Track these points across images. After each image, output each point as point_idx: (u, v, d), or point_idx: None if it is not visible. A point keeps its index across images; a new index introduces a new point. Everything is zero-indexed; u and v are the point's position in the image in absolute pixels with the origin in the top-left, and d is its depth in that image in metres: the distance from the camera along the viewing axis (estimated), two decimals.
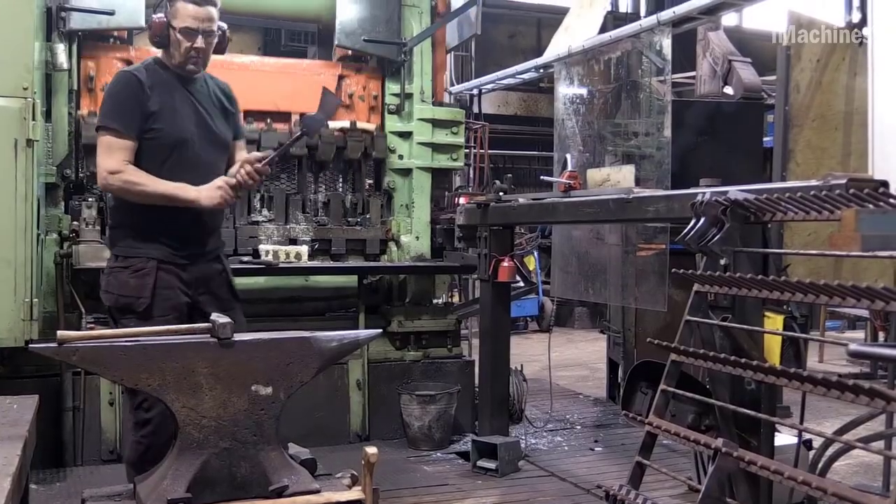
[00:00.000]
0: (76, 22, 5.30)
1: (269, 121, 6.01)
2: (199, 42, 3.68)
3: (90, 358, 2.72)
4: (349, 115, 6.19)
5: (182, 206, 3.63)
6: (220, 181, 3.67)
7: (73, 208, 5.38)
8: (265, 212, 6.01)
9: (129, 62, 5.57)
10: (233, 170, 3.80)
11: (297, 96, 6.00)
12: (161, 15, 3.70)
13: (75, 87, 5.43)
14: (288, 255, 5.70)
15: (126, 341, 2.73)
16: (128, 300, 3.60)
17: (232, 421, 2.79)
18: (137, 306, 3.57)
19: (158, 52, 3.82)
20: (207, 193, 3.64)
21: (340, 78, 6.24)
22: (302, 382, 2.93)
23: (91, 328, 5.22)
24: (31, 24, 4.69)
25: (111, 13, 5.32)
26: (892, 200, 2.30)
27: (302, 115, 4.90)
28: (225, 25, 3.85)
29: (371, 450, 2.84)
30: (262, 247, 5.75)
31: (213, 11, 3.72)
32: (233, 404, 2.79)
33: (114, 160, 3.60)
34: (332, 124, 5.99)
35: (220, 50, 3.88)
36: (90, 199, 5.36)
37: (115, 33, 5.73)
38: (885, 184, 2.49)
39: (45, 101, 5.09)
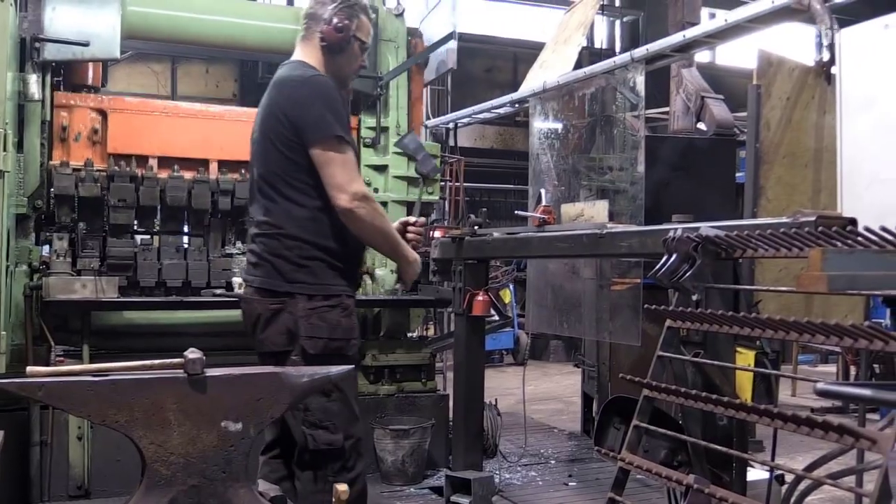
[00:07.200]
0: (50, 53, 5.29)
1: (243, 171, 5.73)
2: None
3: (57, 394, 2.67)
4: None
5: (391, 256, 3.57)
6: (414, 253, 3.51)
7: (45, 240, 5.34)
8: (239, 244, 5.97)
9: (102, 112, 5.59)
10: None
11: None
12: (346, 22, 3.40)
13: (48, 118, 5.40)
14: None
15: (94, 376, 2.69)
16: (339, 343, 3.27)
17: (201, 457, 2.74)
18: (348, 349, 3.28)
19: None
20: (415, 259, 3.50)
21: None
22: (272, 418, 2.90)
23: (60, 362, 5.17)
24: (4, 55, 4.66)
25: (86, 44, 5.32)
26: (859, 238, 2.32)
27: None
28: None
29: (342, 486, 2.81)
30: (235, 279, 5.71)
31: None
32: (202, 441, 2.75)
33: (360, 182, 3.34)
34: None
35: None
36: (62, 231, 5.32)
37: (90, 83, 5.76)
38: (853, 221, 2.51)
39: (16, 131, 5.05)
